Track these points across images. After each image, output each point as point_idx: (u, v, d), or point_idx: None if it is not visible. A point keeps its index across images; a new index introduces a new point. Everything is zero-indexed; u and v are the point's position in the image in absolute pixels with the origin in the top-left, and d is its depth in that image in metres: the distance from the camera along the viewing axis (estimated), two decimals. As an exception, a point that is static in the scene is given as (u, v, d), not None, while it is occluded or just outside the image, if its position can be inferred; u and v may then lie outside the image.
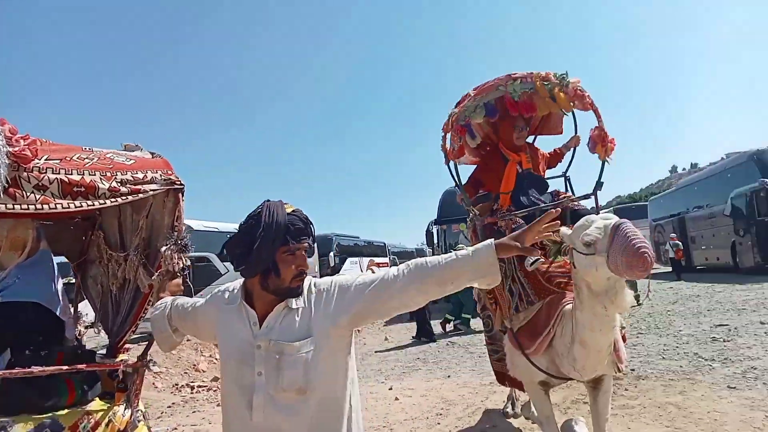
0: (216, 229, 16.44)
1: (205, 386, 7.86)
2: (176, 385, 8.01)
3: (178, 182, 2.63)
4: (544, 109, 3.75)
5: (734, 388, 4.74)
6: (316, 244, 18.90)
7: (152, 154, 2.78)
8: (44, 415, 2.19)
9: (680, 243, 18.08)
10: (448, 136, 3.79)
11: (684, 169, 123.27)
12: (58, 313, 2.58)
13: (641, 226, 24.51)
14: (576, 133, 4.13)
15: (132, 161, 2.54)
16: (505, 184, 3.81)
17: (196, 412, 6.32)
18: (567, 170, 4.45)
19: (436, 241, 16.12)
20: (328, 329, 1.59)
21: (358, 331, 12.73)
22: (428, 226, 16.46)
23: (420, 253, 43.52)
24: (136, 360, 2.57)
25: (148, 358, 2.58)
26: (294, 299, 1.62)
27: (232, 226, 17.83)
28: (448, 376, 6.94)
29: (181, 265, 2.57)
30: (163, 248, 2.63)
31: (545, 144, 5.46)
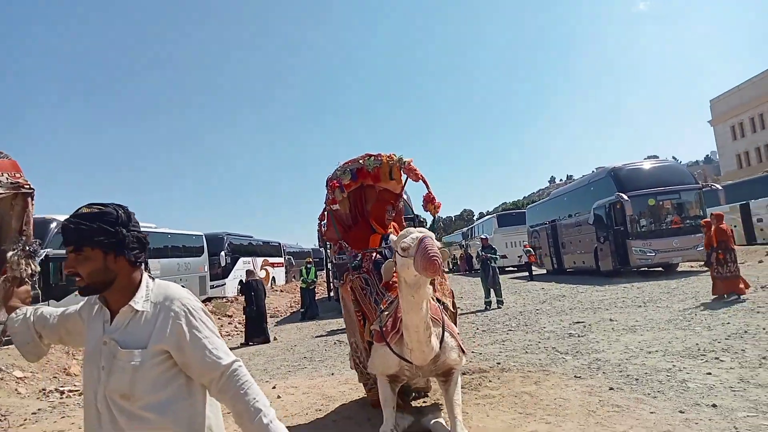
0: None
1: (77, 390, 7.37)
2: (43, 390, 7.44)
3: (27, 185, 2.53)
4: (384, 180, 5.43)
5: (579, 377, 5.39)
6: (205, 243, 18.35)
7: (2, 155, 2.64)
8: None
9: (532, 249, 21.97)
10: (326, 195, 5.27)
11: (561, 179, 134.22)
12: None
13: (521, 231, 26.53)
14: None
15: None
16: (372, 244, 5.24)
17: (65, 417, 5.95)
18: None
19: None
20: (161, 347, 1.58)
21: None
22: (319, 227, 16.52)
23: (316, 253, 43.43)
24: None
25: None
26: (138, 301, 1.62)
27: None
28: (332, 374, 7.13)
29: (30, 271, 2.48)
30: (10, 253, 2.53)
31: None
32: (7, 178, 2.43)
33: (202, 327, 1.61)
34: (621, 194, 15.14)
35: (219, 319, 15.01)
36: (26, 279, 2.45)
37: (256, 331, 11.55)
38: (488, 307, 12.48)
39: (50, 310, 1.96)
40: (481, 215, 67.60)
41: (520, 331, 8.68)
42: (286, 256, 35.23)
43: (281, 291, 25.66)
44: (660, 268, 16.22)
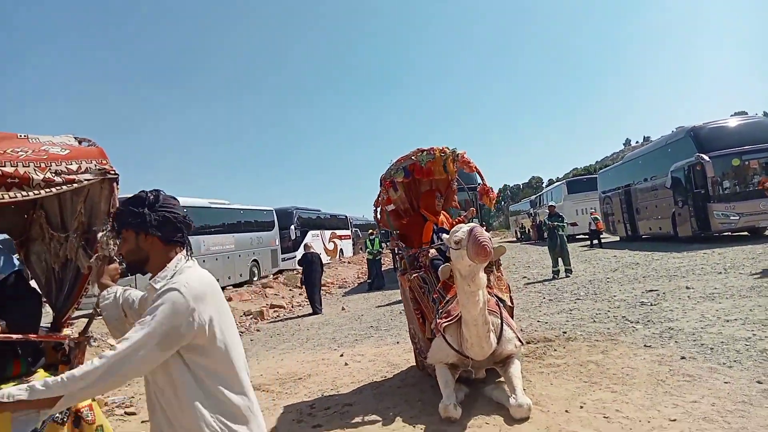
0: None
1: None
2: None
3: (112, 171, 2.74)
4: (438, 174, 5.47)
5: (649, 346, 5.22)
6: (276, 218, 19.18)
7: (88, 142, 2.88)
8: None
9: (599, 216, 21.27)
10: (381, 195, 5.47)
11: (637, 141, 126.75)
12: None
13: (592, 197, 25.50)
14: (473, 206, 5.84)
15: (67, 151, 2.62)
16: (425, 235, 5.22)
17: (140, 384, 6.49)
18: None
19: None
20: None
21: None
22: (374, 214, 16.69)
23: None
24: (78, 335, 2.73)
25: (89, 334, 2.75)
26: (159, 280, 1.70)
27: (189, 201, 17.73)
28: (397, 342, 7.30)
29: (117, 251, 2.71)
30: (99, 234, 2.77)
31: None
32: (95, 165, 2.65)
33: (152, 312, 1.58)
34: (701, 155, 14.18)
35: (290, 290, 15.62)
36: (114, 257, 2.70)
37: (310, 301, 12.15)
38: (556, 276, 12.22)
39: (136, 293, 2.09)
40: (551, 182, 65.39)
41: (589, 300, 8.47)
42: (353, 229, 35.87)
43: (349, 262, 26.26)
44: (745, 233, 15.16)
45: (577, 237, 25.68)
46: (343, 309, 11.76)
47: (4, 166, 2.29)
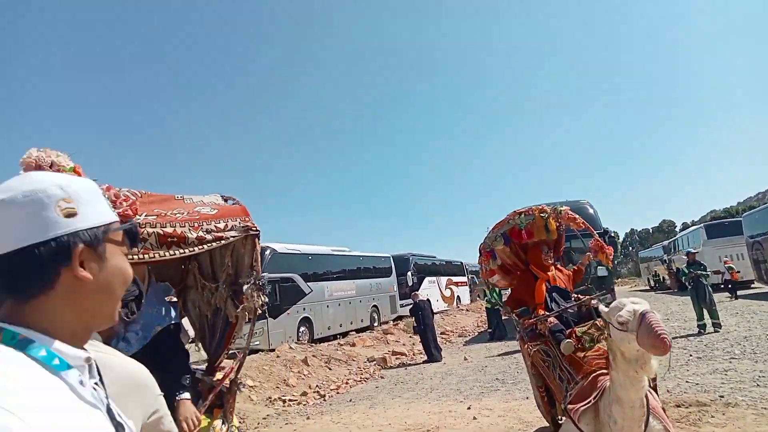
0: (298, 251, 17.34)
1: (294, 400, 8.36)
2: (269, 398, 8.58)
3: (254, 228, 3.03)
4: (539, 235, 4.91)
5: (834, 418, 4.51)
6: (393, 264, 19.69)
7: (233, 200, 3.22)
8: None
9: (733, 266, 19.77)
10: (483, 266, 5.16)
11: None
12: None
13: (736, 242, 22.92)
14: (588, 252, 5.19)
15: (215, 211, 2.95)
16: (537, 297, 4.74)
17: (289, 424, 6.80)
18: (588, 281, 5.69)
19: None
20: None
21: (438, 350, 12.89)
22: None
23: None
24: (230, 381, 2.97)
25: (239, 379, 3.00)
26: None
27: (313, 249, 18.73)
28: (527, 398, 6.97)
29: (261, 302, 2.97)
30: (245, 287, 3.05)
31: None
32: (239, 223, 2.96)
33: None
34: None
35: (410, 337, 15.67)
36: (259, 308, 2.96)
37: (425, 348, 12.17)
38: (702, 330, 11.00)
39: None
40: (685, 226, 59.89)
41: (747, 360, 7.51)
42: (469, 275, 35.38)
43: (467, 310, 25.78)
44: None
45: (720, 287, 23.03)
46: (465, 359, 11.51)
47: (165, 227, 2.63)
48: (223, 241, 2.82)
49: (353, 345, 13.73)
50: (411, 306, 13.66)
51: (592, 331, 4.02)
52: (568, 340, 4.07)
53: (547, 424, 5.35)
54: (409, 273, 25.08)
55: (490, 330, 15.26)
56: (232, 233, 2.86)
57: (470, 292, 34.33)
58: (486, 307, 16.21)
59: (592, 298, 4.57)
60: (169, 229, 2.60)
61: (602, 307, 3.64)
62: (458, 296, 31.26)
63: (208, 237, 2.74)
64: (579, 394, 3.89)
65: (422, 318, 12.40)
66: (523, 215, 4.86)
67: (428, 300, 13.77)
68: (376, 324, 20.73)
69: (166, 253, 2.58)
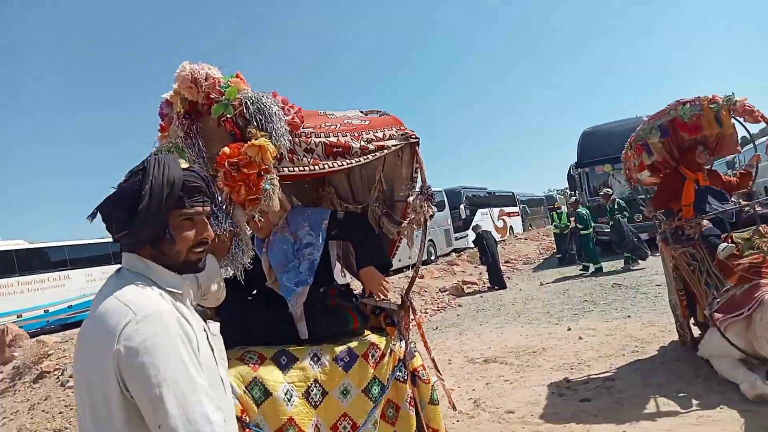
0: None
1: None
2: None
3: (413, 135, 2.80)
4: (708, 129, 4.38)
5: None
6: (445, 198, 19.68)
7: (378, 113, 2.96)
8: (341, 345, 2.48)
9: None
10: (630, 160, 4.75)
11: None
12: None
13: None
14: (756, 152, 4.82)
15: (367, 122, 2.71)
16: (685, 198, 4.46)
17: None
18: (752, 186, 4.96)
19: (578, 184, 15.40)
20: None
21: (508, 278, 12.79)
22: (569, 170, 15.78)
23: (549, 200, 42.08)
24: (400, 299, 2.83)
25: (410, 296, 2.84)
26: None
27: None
28: (628, 316, 6.74)
29: (431, 213, 2.75)
30: (411, 198, 2.83)
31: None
32: (397, 132, 2.72)
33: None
34: None
35: (476, 267, 15.61)
36: (428, 220, 2.75)
37: (493, 278, 12.08)
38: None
39: None
40: None
41: None
42: (521, 205, 34.80)
43: (525, 239, 25.50)
44: None
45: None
46: (541, 284, 11.32)
47: (329, 137, 2.41)
48: (385, 151, 2.61)
49: (422, 277, 13.73)
50: (474, 238, 13.54)
51: (755, 238, 3.66)
52: (727, 244, 3.75)
53: (673, 338, 5.12)
54: (461, 206, 24.80)
55: (559, 255, 15.00)
56: (393, 142, 2.64)
57: (522, 221, 33.89)
58: (554, 233, 15.90)
59: (758, 202, 4.22)
60: (333, 139, 2.39)
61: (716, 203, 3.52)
62: (511, 226, 30.91)
63: (371, 147, 2.52)
64: (729, 303, 3.65)
65: (487, 248, 12.35)
66: (688, 105, 4.23)
67: (489, 231, 13.59)
68: (433, 257, 20.71)
69: (334, 164, 2.39)
